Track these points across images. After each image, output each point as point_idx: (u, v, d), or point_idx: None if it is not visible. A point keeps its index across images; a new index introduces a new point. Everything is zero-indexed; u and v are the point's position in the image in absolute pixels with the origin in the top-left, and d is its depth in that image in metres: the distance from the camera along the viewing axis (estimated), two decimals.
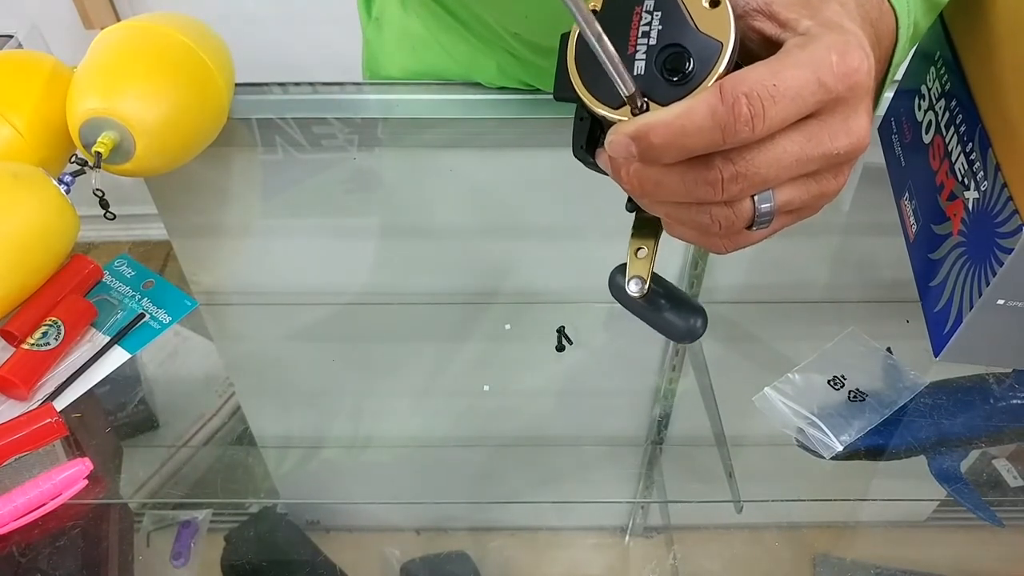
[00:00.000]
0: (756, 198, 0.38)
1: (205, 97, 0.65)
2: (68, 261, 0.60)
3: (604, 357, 0.60)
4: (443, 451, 0.56)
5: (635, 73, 0.37)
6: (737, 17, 0.36)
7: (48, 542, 0.48)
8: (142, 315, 0.59)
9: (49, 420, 0.51)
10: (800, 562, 0.49)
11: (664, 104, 0.36)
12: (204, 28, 0.68)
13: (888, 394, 0.53)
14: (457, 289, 0.65)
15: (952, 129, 0.54)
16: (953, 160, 0.54)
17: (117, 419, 0.55)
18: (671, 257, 0.65)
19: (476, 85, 0.76)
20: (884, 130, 0.68)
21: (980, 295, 0.49)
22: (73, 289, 0.59)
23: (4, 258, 0.54)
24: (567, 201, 0.71)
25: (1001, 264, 0.47)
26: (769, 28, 0.38)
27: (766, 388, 0.53)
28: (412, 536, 0.51)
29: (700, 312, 0.52)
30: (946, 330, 0.53)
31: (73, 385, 0.55)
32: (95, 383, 0.55)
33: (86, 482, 0.50)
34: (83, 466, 0.50)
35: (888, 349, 0.56)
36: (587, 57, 0.36)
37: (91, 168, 0.60)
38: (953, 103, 0.55)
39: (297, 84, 0.76)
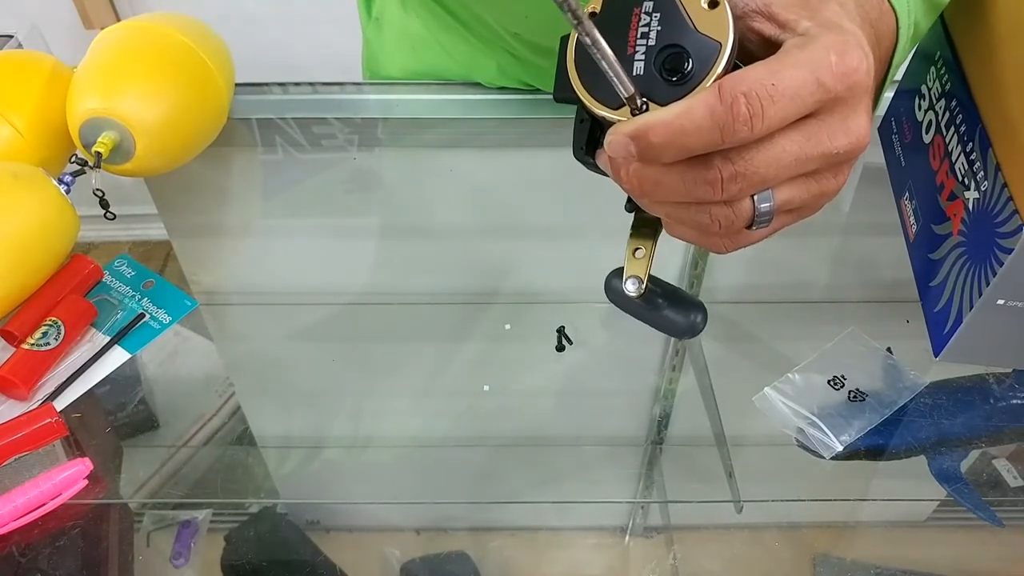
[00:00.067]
0: (756, 197, 0.38)
1: (205, 97, 0.65)
2: (68, 261, 0.60)
3: (604, 357, 0.60)
4: (443, 451, 0.56)
5: (634, 73, 0.37)
6: (736, 18, 0.36)
7: (48, 542, 0.48)
8: (142, 315, 0.59)
9: (49, 420, 0.51)
10: (800, 562, 0.49)
11: (663, 104, 0.36)
12: (204, 28, 0.68)
13: (888, 394, 0.53)
14: (457, 289, 0.65)
15: (952, 129, 0.54)
16: (953, 160, 0.54)
17: (117, 419, 0.55)
18: (671, 257, 0.65)
19: (476, 85, 0.76)
20: (884, 130, 0.68)
21: (980, 295, 0.49)
22: (73, 289, 0.59)
23: (4, 258, 0.54)
24: (567, 201, 0.71)
25: (1001, 264, 0.47)
26: (768, 29, 0.38)
27: (766, 388, 0.53)
28: (412, 536, 0.51)
29: (700, 307, 0.52)
30: (946, 330, 0.53)
31: (73, 385, 0.55)
32: (95, 383, 0.55)
33: (86, 482, 0.50)
34: (83, 466, 0.50)
35: (888, 349, 0.56)
36: (586, 58, 0.36)
37: (91, 168, 0.60)
38: (953, 103, 0.55)
39: (297, 84, 0.76)
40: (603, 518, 0.52)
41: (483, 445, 0.56)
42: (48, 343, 0.54)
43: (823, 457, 0.51)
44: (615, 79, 0.35)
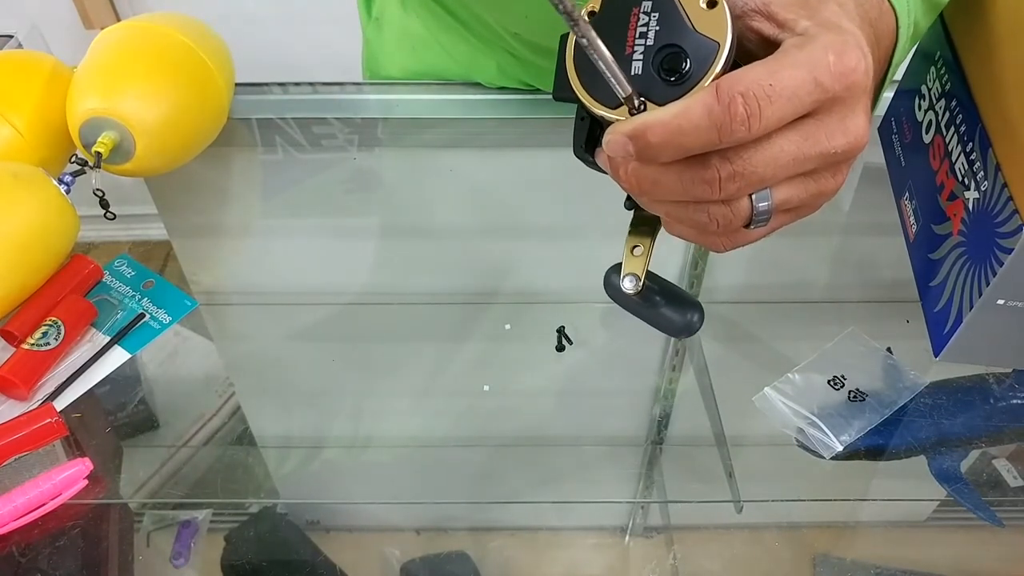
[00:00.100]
0: (754, 197, 0.38)
1: (205, 97, 0.65)
2: (68, 261, 0.60)
3: (604, 357, 0.60)
4: (443, 451, 0.56)
5: (632, 73, 0.37)
6: (735, 17, 0.36)
7: (48, 542, 0.48)
8: (142, 315, 0.59)
9: (49, 420, 0.51)
10: (800, 562, 0.49)
11: (661, 104, 0.36)
12: (204, 28, 0.68)
13: (888, 394, 0.53)
14: (457, 289, 0.65)
15: (952, 129, 0.54)
16: (953, 160, 0.54)
17: (117, 419, 0.55)
18: (671, 257, 0.65)
19: (476, 85, 0.76)
20: (884, 130, 0.68)
21: (980, 295, 0.49)
22: (73, 289, 0.59)
23: (4, 258, 0.55)
24: (567, 201, 0.71)
25: (1001, 264, 0.47)
26: (767, 28, 0.38)
27: (766, 388, 0.53)
28: (412, 536, 0.51)
29: (697, 306, 0.52)
30: (946, 330, 0.53)
31: (73, 385, 0.55)
32: (95, 383, 0.55)
33: (86, 482, 0.50)
34: (83, 466, 0.50)
35: (888, 349, 0.56)
36: (585, 58, 0.36)
37: (91, 168, 0.60)
38: (953, 103, 0.55)
39: (297, 84, 0.76)
40: (603, 518, 0.52)
41: (483, 445, 0.56)
42: (48, 343, 0.54)
43: (823, 457, 0.51)
44: (612, 80, 0.35)
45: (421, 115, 0.76)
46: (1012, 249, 0.46)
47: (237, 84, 0.72)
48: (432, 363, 0.59)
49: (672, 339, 0.59)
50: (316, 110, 0.76)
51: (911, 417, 0.53)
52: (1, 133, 0.60)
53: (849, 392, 0.53)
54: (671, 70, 0.36)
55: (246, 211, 0.72)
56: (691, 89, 0.36)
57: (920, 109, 0.60)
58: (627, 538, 0.50)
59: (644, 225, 0.46)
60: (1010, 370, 0.56)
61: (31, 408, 0.52)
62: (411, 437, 0.56)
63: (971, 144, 0.51)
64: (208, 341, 0.60)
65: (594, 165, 0.42)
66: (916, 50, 0.62)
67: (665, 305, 0.52)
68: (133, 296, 0.60)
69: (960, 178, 0.52)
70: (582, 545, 0.50)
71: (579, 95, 0.38)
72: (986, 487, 0.51)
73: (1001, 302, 0.49)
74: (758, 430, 0.54)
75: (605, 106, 0.38)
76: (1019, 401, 0.54)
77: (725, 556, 0.49)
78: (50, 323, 0.55)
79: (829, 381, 0.54)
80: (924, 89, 0.60)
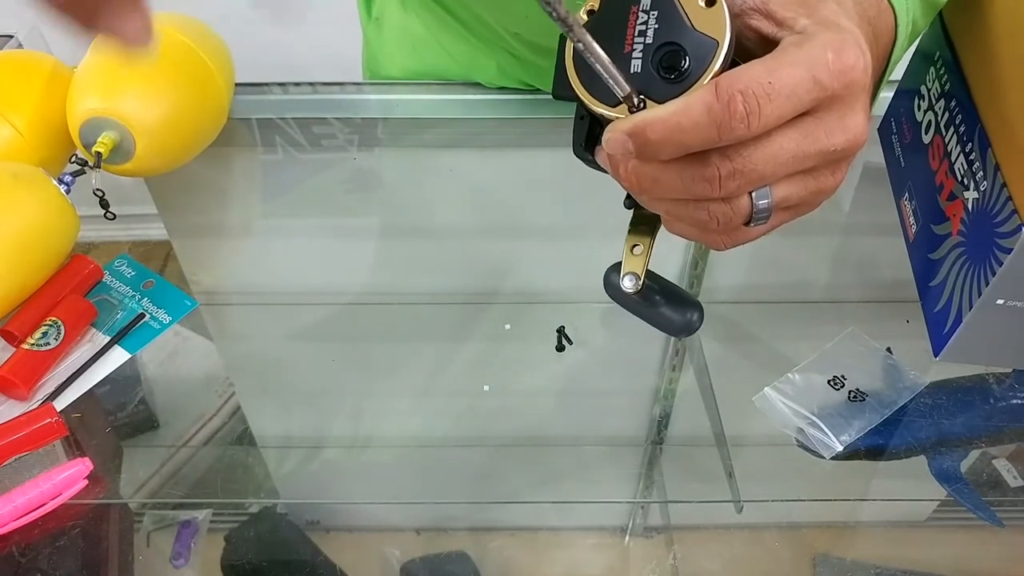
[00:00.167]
0: (754, 194, 0.38)
1: (205, 97, 0.66)
2: (68, 261, 0.60)
3: (604, 357, 0.60)
4: (443, 451, 0.56)
5: (632, 71, 0.37)
6: (734, 16, 0.36)
7: (48, 542, 0.48)
8: (142, 315, 0.59)
9: (49, 420, 0.51)
10: (800, 562, 0.49)
11: (661, 102, 0.36)
12: (204, 28, 0.68)
13: (888, 394, 0.53)
14: (457, 289, 0.65)
15: (952, 129, 0.54)
16: (953, 160, 0.54)
17: (117, 419, 0.55)
18: (671, 256, 0.65)
19: (476, 85, 0.76)
20: (884, 130, 0.68)
21: (980, 295, 0.49)
22: (73, 289, 0.59)
23: (4, 258, 0.55)
24: (567, 201, 0.71)
25: (1001, 264, 0.47)
26: (766, 26, 0.38)
27: (766, 388, 0.53)
28: (412, 536, 0.51)
29: (696, 306, 0.52)
30: (946, 330, 0.53)
31: (73, 385, 0.55)
32: (95, 383, 0.55)
33: (86, 482, 0.50)
34: (83, 466, 0.50)
35: (888, 349, 0.56)
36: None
37: (91, 168, 0.60)
38: (952, 103, 0.55)
39: (297, 84, 0.76)
40: (603, 518, 0.52)
41: (483, 445, 0.56)
42: (48, 343, 0.54)
43: (823, 457, 0.51)
44: (611, 80, 0.35)
45: (421, 115, 0.76)
46: (1011, 249, 0.46)
47: (237, 84, 0.72)
48: (432, 363, 0.59)
49: (672, 339, 0.59)
50: (316, 110, 0.76)
51: (911, 417, 0.53)
52: (1, 133, 0.60)
53: (849, 392, 0.53)
54: (670, 68, 0.36)
55: (246, 211, 0.72)
56: (690, 87, 0.36)
57: (919, 109, 0.60)
58: (627, 538, 0.50)
59: (644, 224, 0.46)
60: (1010, 370, 0.56)
61: (31, 408, 0.52)
62: (411, 437, 0.56)
63: (970, 144, 0.51)
64: (208, 341, 0.60)
65: (594, 164, 0.42)
66: (915, 50, 0.62)
67: (665, 304, 0.52)
68: (133, 296, 0.60)
69: (959, 178, 0.52)
70: (582, 545, 0.50)
71: (579, 93, 0.39)
72: (986, 487, 0.51)
73: (1001, 302, 0.49)
74: (758, 430, 0.54)
75: (605, 104, 0.38)
76: (1019, 401, 0.54)
77: (725, 556, 0.49)
78: (50, 323, 0.55)
79: (829, 381, 0.54)
80: (923, 89, 0.60)
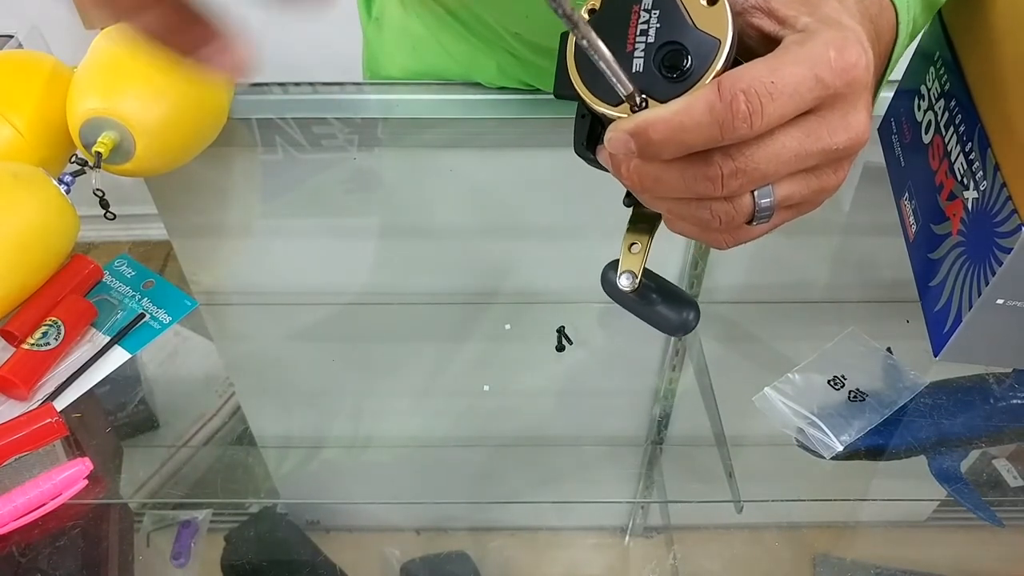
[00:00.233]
0: (756, 193, 0.38)
1: (205, 97, 0.66)
2: (68, 261, 0.60)
3: (604, 357, 0.60)
4: (443, 451, 0.56)
5: (634, 70, 0.37)
6: (736, 14, 0.36)
7: (48, 542, 0.48)
8: (142, 315, 0.59)
9: (49, 420, 0.51)
10: (800, 562, 0.49)
11: (663, 101, 0.36)
12: None
13: (888, 394, 0.53)
14: (457, 289, 0.65)
15: (951, 129, 0.54)
16: (952, 160, 0.54)
17: (117, 419, 0.55)
18: (671, 256, 0.65)
19: (476, 85, 0.76)
20: (884, 130, 0.68)
21: (979, 295, 0.49)
22: (73, 289, 0.59)
23: (4, 258, 0.54)
24: (567, 201, 0.71)
25: (1000, 264, 0.47)
26: (768, 25, 0.38)
27: (766, 388, 0.53)
28: (412, 536, 0.50)
29: (693, 305, 0.52)
30: (946, 330, 0.53)
31: (73, 385, 0.55)
32: (95, 383, 0.55)
33: (86, 482, 0.50)
34: (83, 466, 0.50)
35: (888, 349, 0.56)
36: (586, 56, 0.36)
37: (91, 168, 0.60)
38: (952, 103, 0.55)
39: (297, 84, 0.76)
40: (603, 518, 0.52)
41: (483, 445, 0.56)
42: (48, 343, 0.54)
43: (823, 457, 0.51)
44: (613, 79, 0.35)
45: (421, 115, 0.76)
46: (1011, 249, 0.46)
47: (237, 84, 0.72)
48: (432, 363, 0.59)
49: (672, 339, 0.59)
50: (316, 110, 0.76)
51: (911, 417, 0.53)
52: (1, 133, 0.60)
53: (849, 392, 0.53)
54: (672, 67, 0.36)
55: (246, 211, 0.72)
56: (692, 86, 0.36)
57: (919, 109, 0.60)
58: (627, 538, 0.50)
59: (643, 223, 0.46)
60: (1010, 370, 0.56)
61: (31, 408, 0.52)
62: (411, 437, 0.56)
63: (970, 144, 0.52)
64: (208, 341, 0.60)
65: (595, 163, 0.42)
66: (915, 50, 0.62)
67: (661, 303, 0.52)
68: (133, 296, 0.60)
69: (959, 178, 0.52)
70: (582, 545, 0.50)
71: (580, 93, 0.39)
72: (986, 487, 0.51)
73: (1000, 302, 0.49)
74: (758, 430, 0.54)
75: (606, 103, 0.38)
76: (1019, 401, 0.54)
77: (725, 556, 0.49)
78: (50, 323, 0.55)
79: (829, 381, 0.54)
80: (923, 89, 0.60)
